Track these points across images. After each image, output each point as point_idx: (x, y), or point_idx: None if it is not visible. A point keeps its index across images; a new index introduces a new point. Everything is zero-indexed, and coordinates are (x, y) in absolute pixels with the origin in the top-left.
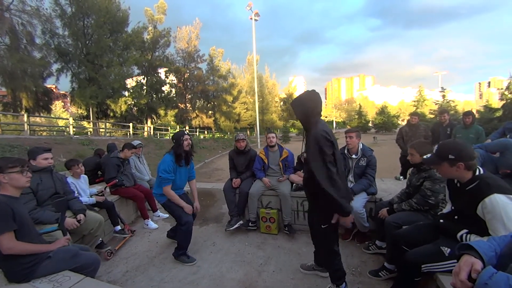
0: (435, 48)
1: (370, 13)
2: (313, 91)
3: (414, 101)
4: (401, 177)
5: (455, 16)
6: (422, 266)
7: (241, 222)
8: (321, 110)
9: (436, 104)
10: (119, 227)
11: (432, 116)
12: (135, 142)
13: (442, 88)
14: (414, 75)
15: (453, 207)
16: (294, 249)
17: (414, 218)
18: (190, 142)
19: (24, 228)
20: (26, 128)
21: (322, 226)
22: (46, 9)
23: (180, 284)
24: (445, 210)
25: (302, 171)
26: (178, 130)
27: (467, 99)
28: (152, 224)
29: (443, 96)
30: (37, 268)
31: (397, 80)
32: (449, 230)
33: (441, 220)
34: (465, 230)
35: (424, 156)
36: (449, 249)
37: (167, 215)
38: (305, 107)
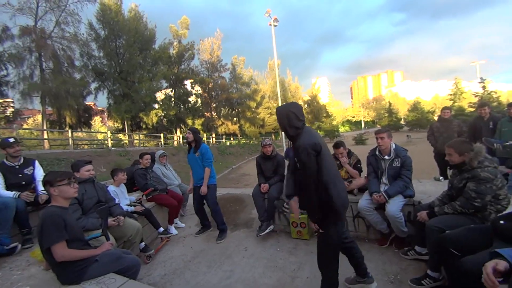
0: (468, 37)
1: (393, 8)
2: (293, 103)
3: (450, 95)
4: (441, 177)
5: (487, 2)
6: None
7: (272, 227)
8: (300, 121)
9: (475, 96)
10: (162, 229)
11: (472, 109)
12: (159, 152)
13: (481, 78)
14: (448, 67)
15: None
16: None
17: (460, 222)
18: (189, 136)
19: (74, 236)
20: (70, 143)
21: (320, 231)
22: (83, 34)
23: None
24: (507, 211)
25: None
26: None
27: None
28: (172, 230)
29: (483, 87)
30: (86, 271)
31: (428, 73)
32: (509, 232)
33: (502, 221)
34: None
35: (509, 142)
36: None
37: (183, 225)
38: (283, 122)
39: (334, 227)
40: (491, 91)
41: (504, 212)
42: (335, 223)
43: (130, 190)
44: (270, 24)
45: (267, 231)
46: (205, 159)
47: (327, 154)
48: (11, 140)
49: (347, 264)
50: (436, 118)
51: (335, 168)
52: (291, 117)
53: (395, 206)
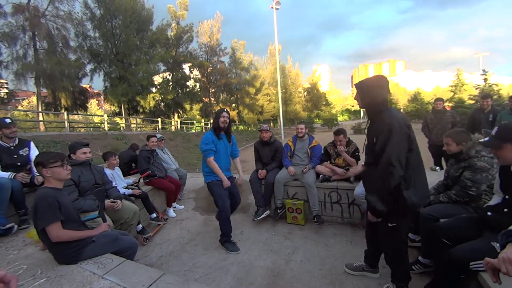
0: (473, 28)
1: None
2: (380, 76)
3: (451, 86)
4: (437, 167)
5: None
6: (471, 263)
7: (267, 212)
8: (387, 97)
9: (476, 88)
10: (154, 215)
11: (472, 101)
12: (157, 136)
13: (483, 70)
14: (450, 58)
15: (506, 197)
16: (321, 240)
17: (453, 211)
18: (227, 120)
19: (69, 217)
20: (66, 125)
21: (390, 225)
22: (78, 13)
23: (211, 270)
24: (492, 202)
25: (329, 162)
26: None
27: None
28: (171, 213)
29: (485, 80)
30: (83, 251)
31: (431, 64)
32: (498, 224)
33: (489, 213)
34: None
35: (481, 140)
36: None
37: (182, 207)
38: (367, 95)
39: (405, 221)
40: (492, 84)
41: (490, 203)
42: (406, 216)
43: (127, 173)
44: (272, 7)
45: (263, 216)
46: (236, 147)
47: (415, 138)
48: (8, 120)
49: (354, 252)
50: None
51: (420, 156)
52: (379, 90)
53: None
